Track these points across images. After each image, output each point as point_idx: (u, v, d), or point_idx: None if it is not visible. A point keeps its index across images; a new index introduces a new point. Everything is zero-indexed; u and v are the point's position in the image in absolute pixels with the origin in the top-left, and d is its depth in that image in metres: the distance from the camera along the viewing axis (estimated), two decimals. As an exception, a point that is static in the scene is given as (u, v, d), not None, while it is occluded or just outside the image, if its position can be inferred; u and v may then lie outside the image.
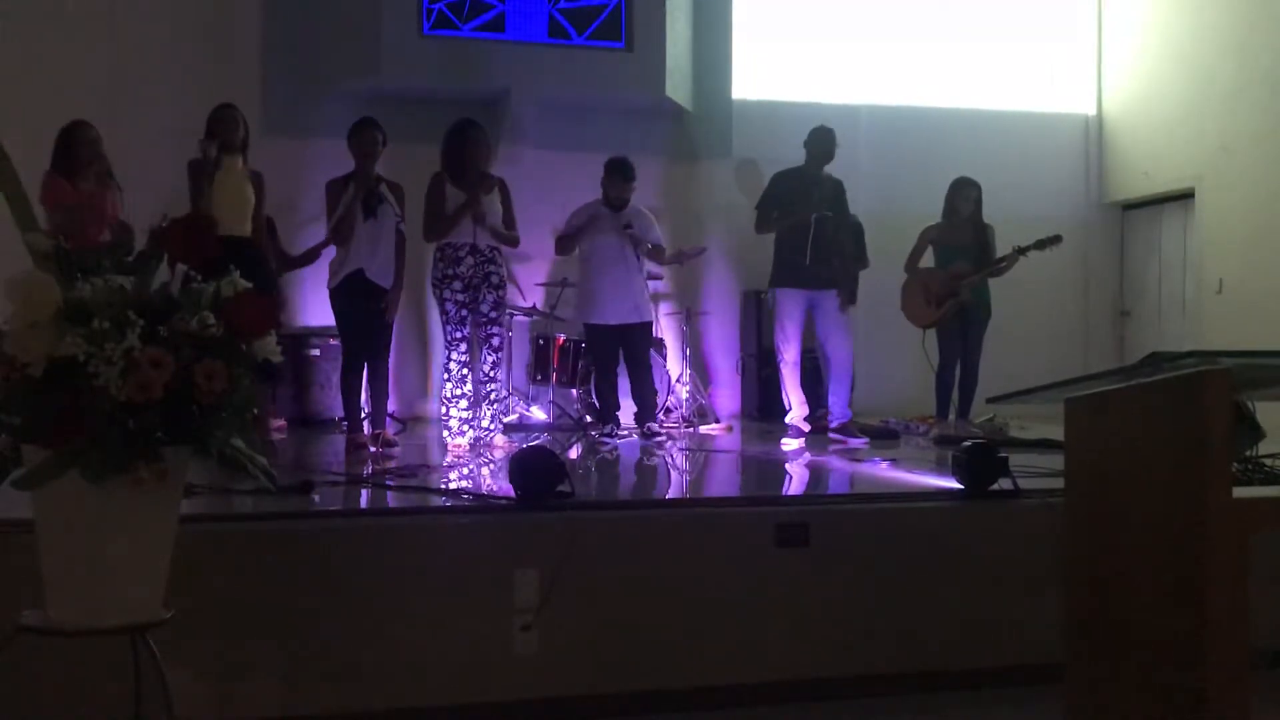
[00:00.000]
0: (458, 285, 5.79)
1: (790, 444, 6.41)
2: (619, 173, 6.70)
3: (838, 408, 6.64)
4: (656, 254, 6.89)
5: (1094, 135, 9.62)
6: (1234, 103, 8.31)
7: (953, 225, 6.97)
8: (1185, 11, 8.83)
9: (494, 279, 5.88)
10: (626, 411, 6.84)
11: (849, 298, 6.68)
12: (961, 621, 3.95)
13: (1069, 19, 9.60)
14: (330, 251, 6.03)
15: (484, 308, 5.86)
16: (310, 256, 6.84)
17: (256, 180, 5.61)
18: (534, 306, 7.74)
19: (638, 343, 6.74)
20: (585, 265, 6.80)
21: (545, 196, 7.53)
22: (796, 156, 6.83)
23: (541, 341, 7.77)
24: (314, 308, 7.73)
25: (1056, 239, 6.71)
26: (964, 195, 6.94)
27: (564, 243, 6.86)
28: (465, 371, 5.87)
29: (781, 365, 6.68)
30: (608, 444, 6.31)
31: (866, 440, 6.44)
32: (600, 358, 6.82)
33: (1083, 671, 2.70)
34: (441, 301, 5.84)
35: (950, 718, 3.75)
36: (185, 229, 2.32)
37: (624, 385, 6.89)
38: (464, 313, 5.83)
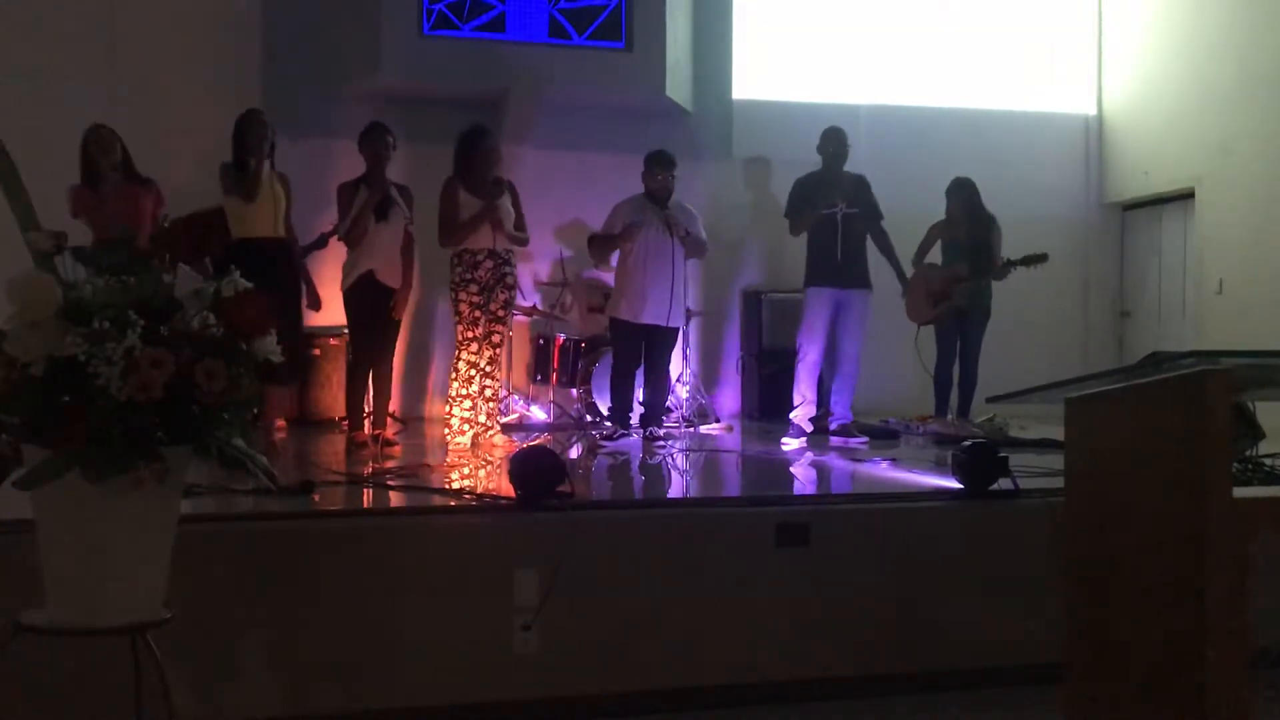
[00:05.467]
0: (474, 288, 5.82)
1: (790, 444, 6.40)
2: (657, 162, 6.53)
3: (840, 408, 6.64)
4: (695, 245, 6.63)
5: (1094, 135, 9.61)
6: (1234, 103, 8.30)
7: (964, 223, 7.00)
8: (1185, 11, 8.83)
9: (508, 280, 5.93)
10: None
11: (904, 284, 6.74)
12: (961, 621, 3.95)
13: (1069, 19, 9.59)
14: (337, 253, 6.07)
15: (493, 306, 5.87)
16: (317, 244, 6.85)
17: (285, 182, 5.66)
18: (534, 306, 7.74)
19: (662, 347, 6.63)
20: (624, 260, 6.59)
21: (545, 196, 7.53)
22: (796, 156, 6.84)
23: (541, 341, 7.77)
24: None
25: (1042, 257, 6.67)
26: (955, 197, 7.04)
27: (600, 245, 6.64)
28: (473, 372, 5.87)
29: (800, 362, 6.65)
30: (610, 446, 6.29)
31: (866, 440, 6.45)
32: (624, 356, 6.63)
33: (1082, 671, 2.70)
34: (456, 302, 5.85)
35: (950, 718, 3.75)
36: (187, 229, 2.32)
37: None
38: (477, 313, 5.84)
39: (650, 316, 6.48)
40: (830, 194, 6.54)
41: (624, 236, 6.44)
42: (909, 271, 7.02)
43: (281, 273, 5.40)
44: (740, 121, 8.75)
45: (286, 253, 5.62)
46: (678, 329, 6.76)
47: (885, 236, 6.72)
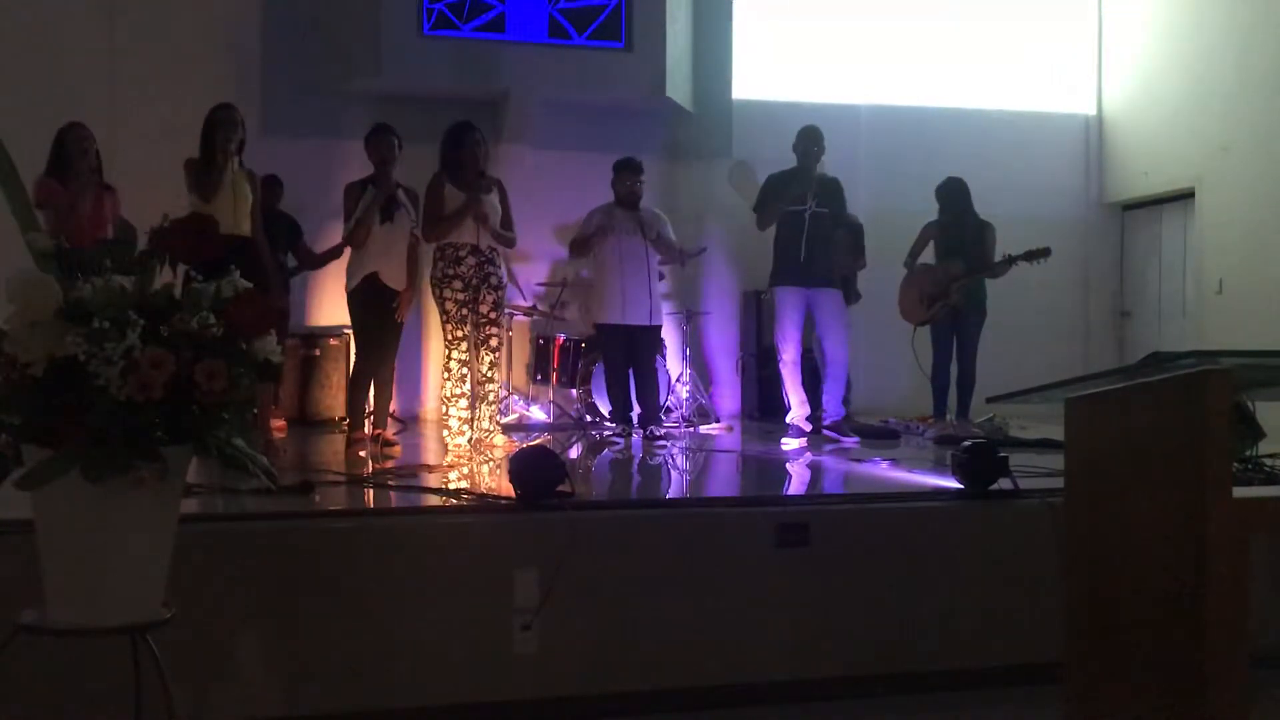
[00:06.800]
0: (458, 285, 5.79)
1: (790, 444, 6.41)
2: (626, 168, 6.73)
3: (832, 406, 6.66)
4: (666, 248, 6.81)
5: (1094, 135, 9.62)
6: (1234, 103, 8.30)
7: (949, 225, 7.00)
8: (1185, 11, 8.83)
9: (493, 280, 5.89)
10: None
11: (850, 296, 6.70)
12: (961, 621, 3.95)
13: (1069, 19, 9.60)
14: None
15: (483, 308, 5.86)
16: (334, 254, 6.87)
17: (251, 179, 5.63)
18: (534, 306, 7.74)
19: (647, 346, 6.73)
20: (600, 266, 6.75)
21: (545, 196, 7.54)
22: (795, 157, 6.84)
23: (541, 341, 7.77)
24: (316, 308, 7.74)
25: (1045, 252, 6.68)
26: (946, 197, 7.07)
27: (578, 246, 6.83)
28: (465, 371, 5.87)
29: (781, 365, 6.69)
30: (620, 444, 6.33)
31: (858, 439, 6.47)
32: (612, 358, 6.77)
33: (1083, 671, 2.70)
34: (441, 301, 5.84)
35: (950, 718, 3.75)
36: (186, 229, 2.31)
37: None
38: (464, 311, 5.83)
39: (633, 317, 6.62)
40: (800, 190, 6.55)
41: (598, 237, 6.66)
42: (902, 272, 7.03)
43: (243, 272, 5.30)
44: (740, 121, 8.75)
45: (249, 250, 5.47)
46: (660, 327, 6.90)
47: (847, 243, 6.72)
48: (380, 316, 5.78)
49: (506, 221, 5.97)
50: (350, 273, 5.83)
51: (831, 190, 6.69)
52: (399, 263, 5.81)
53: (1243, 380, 2.55)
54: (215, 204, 5.33)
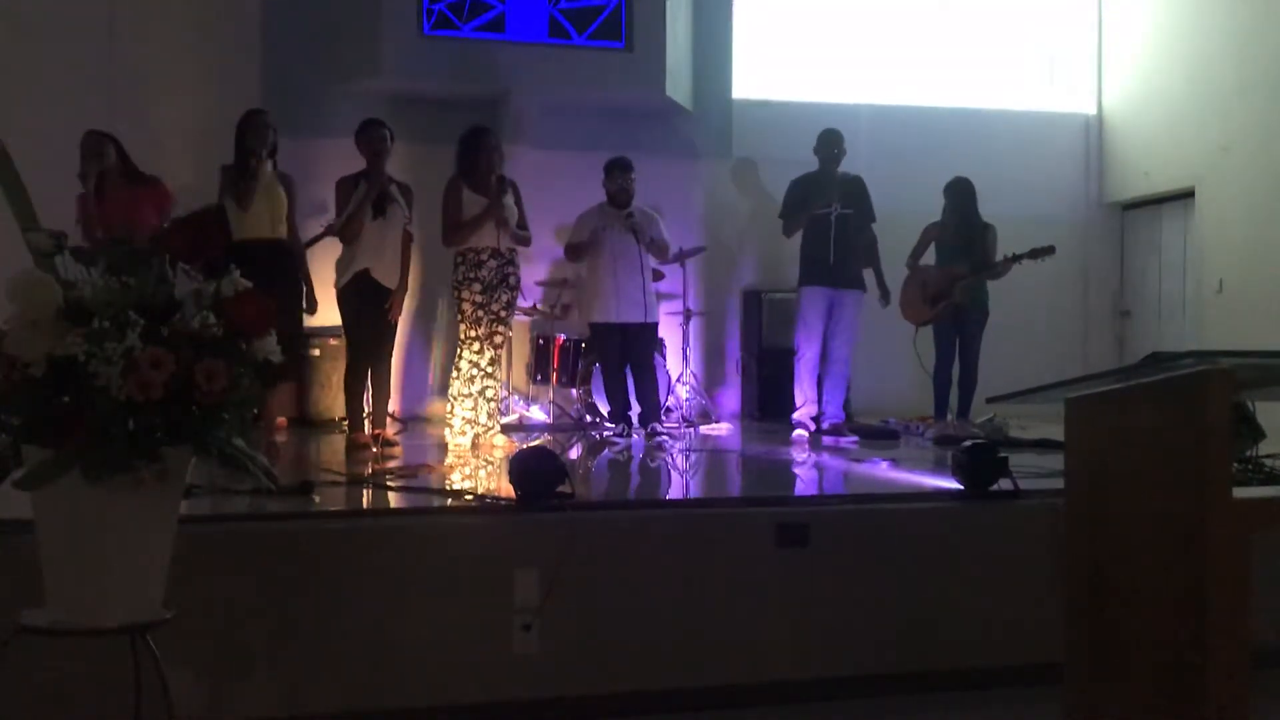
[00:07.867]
0: (477, 287, 5.82)
1: (791, 444, 6.42)
2: (616, 167, 6.79)
3: (831, 409, 6.67)
4: (659, 249, 6.88)
5: (1094, 135, 9.62)
6: (1234, 103, 8.30)
7: (953, 224, 7.00)
8: (1185, 11, 8.83)
9: (511, 280, 5.93)
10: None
11: (885, 295, 6.72)
12: (961, 621, 3.95)
13: (1069, 19, 9.60)
14: (332, 251, 6.04)
15: (495, 307, 5.87)
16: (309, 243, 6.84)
17: (286, 182, 5.64)
18: (534, 306, 7.74)
19: (643, 344, 6.75)
20: (593, 264, 6.79)
21: (546, 196, 7.52)
22: (795, 156, 6.85)
23: (541, 341, 7.77)
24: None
25: (1049, 250, 6.70)
26: (952, 195, 7.07)
27: (575, 251, 6.87)
28: (475, 372, 5.87)
29: (799, 361, 6.71)
30: (620, 444, 6.33)
31: (856, 440, 6.47)
32: (608, 357, 6.80)
33: (1082, 671, 2.70)
34: (459, 301, 5.85)
35: (950, 718, 3.75)
36: (188, 229, 2.31)
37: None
38: (480, 313, 5.84)
39: (627, 315, 6.65)
40: (825, 195, 6.57)
41: (590, 239, 6.70)
42: (904, 272, 7.03)
43: (277, 275, 5.34)
44: (740, 121, 8.75)
45: (284, 254, 5.57)
46: (655, 324, 6.93)
47: (874, 244, 6.75)
48: (372, 315, 5.74)
49: (521, 221, 5.99)
50: (340, 269, 5.77)
51: (855, 190, 6.72)
52: (392, 259, 5.77)
53: (1243, 380, 2.55)
54: (253, 209, 5.38)
